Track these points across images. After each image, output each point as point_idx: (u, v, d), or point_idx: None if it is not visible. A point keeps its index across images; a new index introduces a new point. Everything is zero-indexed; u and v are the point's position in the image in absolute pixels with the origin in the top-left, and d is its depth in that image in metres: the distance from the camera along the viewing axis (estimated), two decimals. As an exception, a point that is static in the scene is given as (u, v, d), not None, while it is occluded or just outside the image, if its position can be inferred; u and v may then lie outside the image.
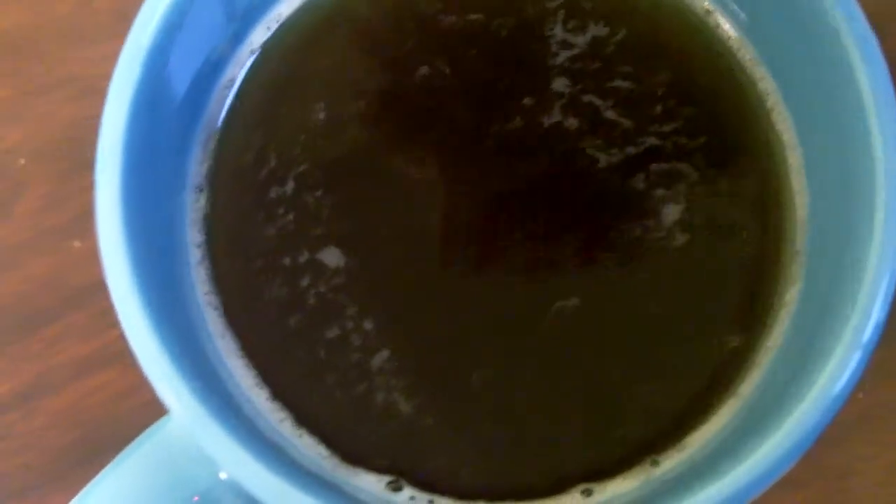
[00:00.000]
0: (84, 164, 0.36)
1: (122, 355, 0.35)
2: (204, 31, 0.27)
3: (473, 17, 0.29)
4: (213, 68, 0.28)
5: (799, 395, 0.23)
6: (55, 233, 0.36)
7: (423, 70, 0.28)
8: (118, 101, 0.24)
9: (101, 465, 0.24)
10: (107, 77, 0.24)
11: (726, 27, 0.29)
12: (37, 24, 0.39)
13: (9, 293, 0.36)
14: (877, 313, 0.22)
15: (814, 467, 0.32)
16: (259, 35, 0.29)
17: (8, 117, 0.38)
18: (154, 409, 0.24)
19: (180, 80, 0.26)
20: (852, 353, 0.22)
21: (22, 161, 0.37)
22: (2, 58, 0.39)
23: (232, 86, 0.28)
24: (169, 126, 0.26)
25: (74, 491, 0.24)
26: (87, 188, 0.37)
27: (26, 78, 0.38)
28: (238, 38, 0.28)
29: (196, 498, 0.24)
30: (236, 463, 0.22)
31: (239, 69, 0.28)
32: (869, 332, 0.22)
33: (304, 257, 0.27)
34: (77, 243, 0.36)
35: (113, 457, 0.24)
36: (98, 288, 0.36)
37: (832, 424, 0.31)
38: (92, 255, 0.36)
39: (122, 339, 0.36)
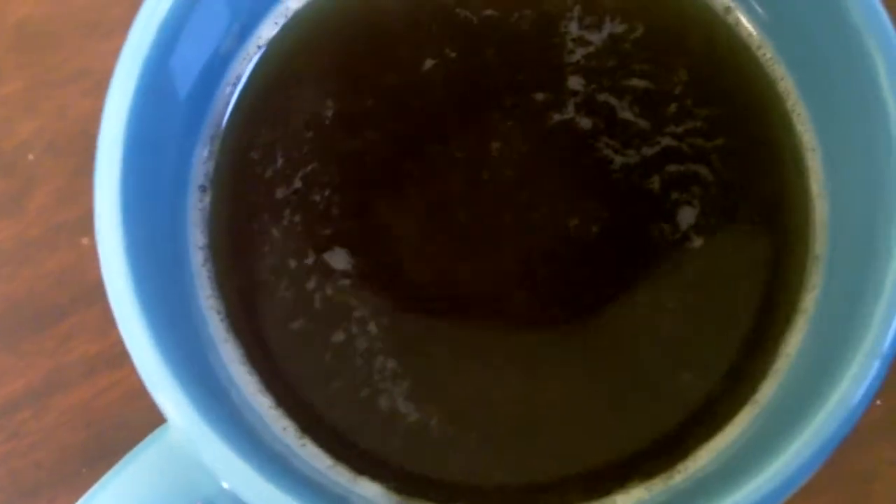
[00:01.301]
0: (97, 161, 0.36)
1: (135, 354, 0.36)
2: (209, 27, 0.26)
3: (489, 12, 0.28)
4: (219, 64, 0.27)
5: (818, 403, 0.22)
6: (67, 229, 0.36)
7: (436, 65, 0.27)
8: (119, 96, 0.23)
9: (111, 465, 0.24)
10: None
11: (746, 25, 0.28)
12: (53, 15, 0.38)
13: (21, 289, 0.36)
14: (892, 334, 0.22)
15: (835, 472, 0.32)
16: (266, 30, 0.28)
17: (22, 110, 0.37)
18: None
19: (184, 76, 0.26)
20: (871, 361, 0.22)
21: (34, 156, 0.37)
22: (17, 49, 0.38)
23: (238, 82, 0.28)
24: (172, 123, 0.25)
25: (84, 490, 0.24)
26: (99, 184, 0.37)
27: (41, 70, 0.38)
28: (245, 33, 0.28)
29: (198, 504, 0.23)
30: (235, 474, 0.21)
31: (246, 65, 0.28)
32: (888, 341, 0.22)
33: (310, 259, 0.26)
34: (87, 239, 0.36)
35: (123, 456, 0.24)
36: (111, 285, 0.36)
37: (852, 430, 0.31)
38: (103, 253, 0.36)
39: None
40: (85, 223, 0.36)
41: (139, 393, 0.35)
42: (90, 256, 0.35)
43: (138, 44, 0.24)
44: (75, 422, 0.35)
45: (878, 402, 0.31)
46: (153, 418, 0.24)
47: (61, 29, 0.38)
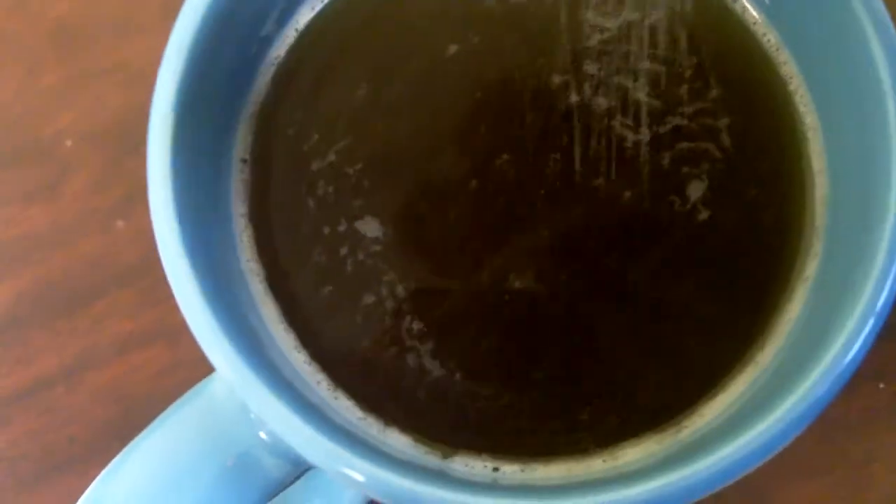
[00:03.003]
0: (130, 149, 0.38)
1: (165, 333, 0.37)
2: (253, 13, 0.28)
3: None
4: (261, 47, 0.29)
5: (816, 361, 0.24)
6: (102, 213, 0.38)
7: (460, 50, 0.29)
8: (171, 72, 0.25)
9: (143, 441, 0.25)
10: (156, 65, 0.25)
11: (752, 12, 0.30)
12: (88, 12, 0.40)
13: (57, 270, 0.37)
14: (890, 284, 0.23)
15: (837, 454, 0.33)
16: (304, 15, 0.30)
17: (59, 101, 0.39)
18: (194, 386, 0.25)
19: (229, 56, 0.28)
20: (867, 318, 0.23)
21: (70, 143, 0.38)
22: (54, 44, 0.40)
23: (277, 63, 0.30)
24: (217, 99, 0.27)
25: (116, 465, 0.25)
26: (133, 171, 0.38)
27: (77, 64, 0.40)
28: (284, 18, 0.30)
29: (230, 462, 0.25)
30: (281, 420, 0.23)
31: (284, 48, 0.30)
32: (882, 300, 0.23)
33: (343, 227, 0.28)
34: (121, 223, 0.37)
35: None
36: (142, 267, 0.38)
37: (855, 412, 0.32)
38: (137, 236, 0.38)
39: (164, 317, 0.37)
40: (119, 208, 0.38)
41: (168, 371, 0.37)
42: (123, 240, 0.37)
43: (187, 27, 0.26)
44: (107, 398, 0.37)
45: (882, 386, 0.32)
46: (182, 393, 0.26)
47: (97, 25, 0.40)
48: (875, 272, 0.24)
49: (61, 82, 0.39)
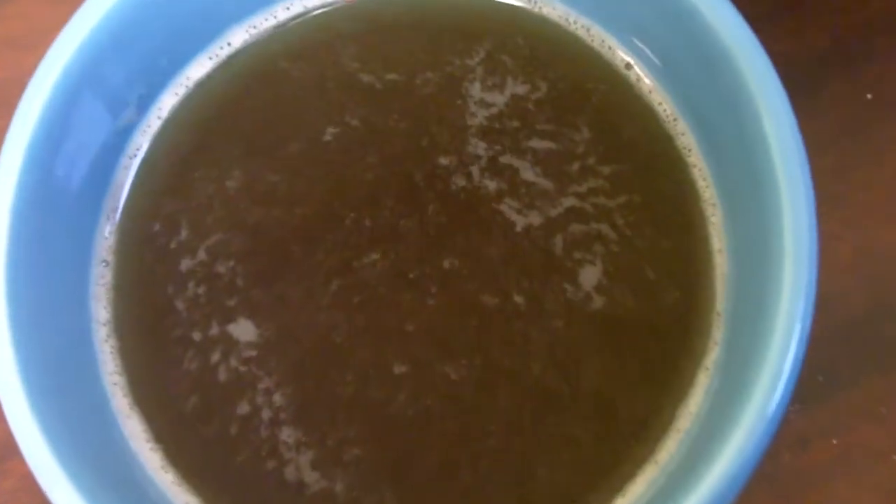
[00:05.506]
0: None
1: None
2: (101, 106, 0.26)
3: (392, 76, 0.28)
4: (118, 138, 0.27)
5: (711, 464, 0.22)
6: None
7: (339, 133, 0.27)
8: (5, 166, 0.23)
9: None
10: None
11: (646, 80, 0.28)
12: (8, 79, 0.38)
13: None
14: (782, 386, 0.22)
15: None
16: (167, 100, 0.28)
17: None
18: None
19: (79, 156, 0.26)
20: (758, 424, 0.22)
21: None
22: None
23: (138, 154, 0.28)
24: (67, 203, 0.25)
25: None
26: None
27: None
28: (144, 104, 0.28)
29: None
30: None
31: (146, 137, 0.28)
32: (774, 405, 0.22)
33: (215, 331, 0.26)
34: None
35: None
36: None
37: (811, 469, 0.31)
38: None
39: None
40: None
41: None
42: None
43: (15, 144, 0.24)
44: (34, 486, 0.35)
45: (835, 441, 0.31)
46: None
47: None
48: (767, 369, 0.22)
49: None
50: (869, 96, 0.34)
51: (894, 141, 0.33)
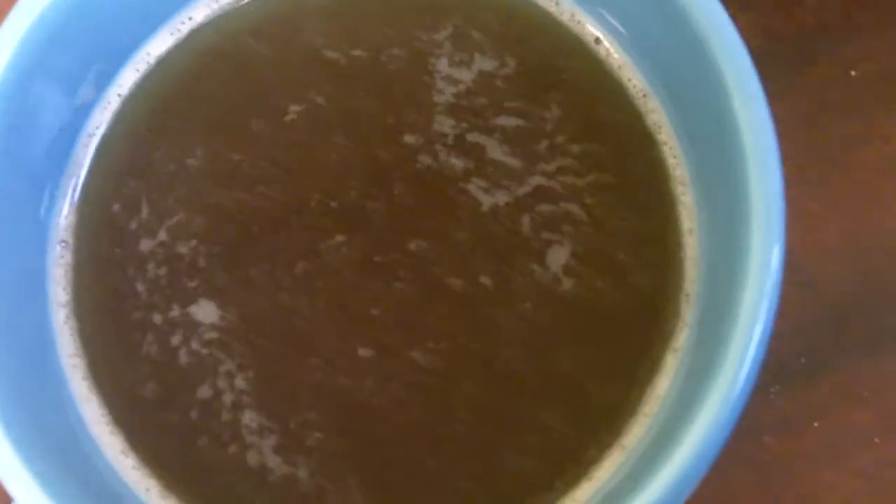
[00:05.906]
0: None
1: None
2: (59, 82, 0.25)
3: (357, 52, 0.28)
4: (76, 115, 0.27)
5: (677, 448, 0.22)
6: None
7: (303, 111, 0.27)
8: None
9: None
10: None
11: (616, 56, 0.27)
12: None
13: None
14: (749, 363, 0.22)
15: (778, 496, 0.31)
16: (127, 77, 0.27)
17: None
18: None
19: (35, 138, 0.25)
20: (723, 405, 0.21)
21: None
22: None
23: (97, 133, 0.27)
24: (24, 186, 0.25)
25: None
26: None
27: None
28: (103, 81, 0.27)
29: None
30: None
31: (106, 115, 0.27)
32: (739, 386, 0.21)
33: (175, 313, 0.26)
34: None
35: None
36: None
37: (795, 453, 0.30)
38: None
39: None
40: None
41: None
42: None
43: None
44: None
45: (816, 425, 0.30)
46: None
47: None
48: (733, 351, 0.21)
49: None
50: (853, 73, 0.33)
51: (879, 119, 0.32)
